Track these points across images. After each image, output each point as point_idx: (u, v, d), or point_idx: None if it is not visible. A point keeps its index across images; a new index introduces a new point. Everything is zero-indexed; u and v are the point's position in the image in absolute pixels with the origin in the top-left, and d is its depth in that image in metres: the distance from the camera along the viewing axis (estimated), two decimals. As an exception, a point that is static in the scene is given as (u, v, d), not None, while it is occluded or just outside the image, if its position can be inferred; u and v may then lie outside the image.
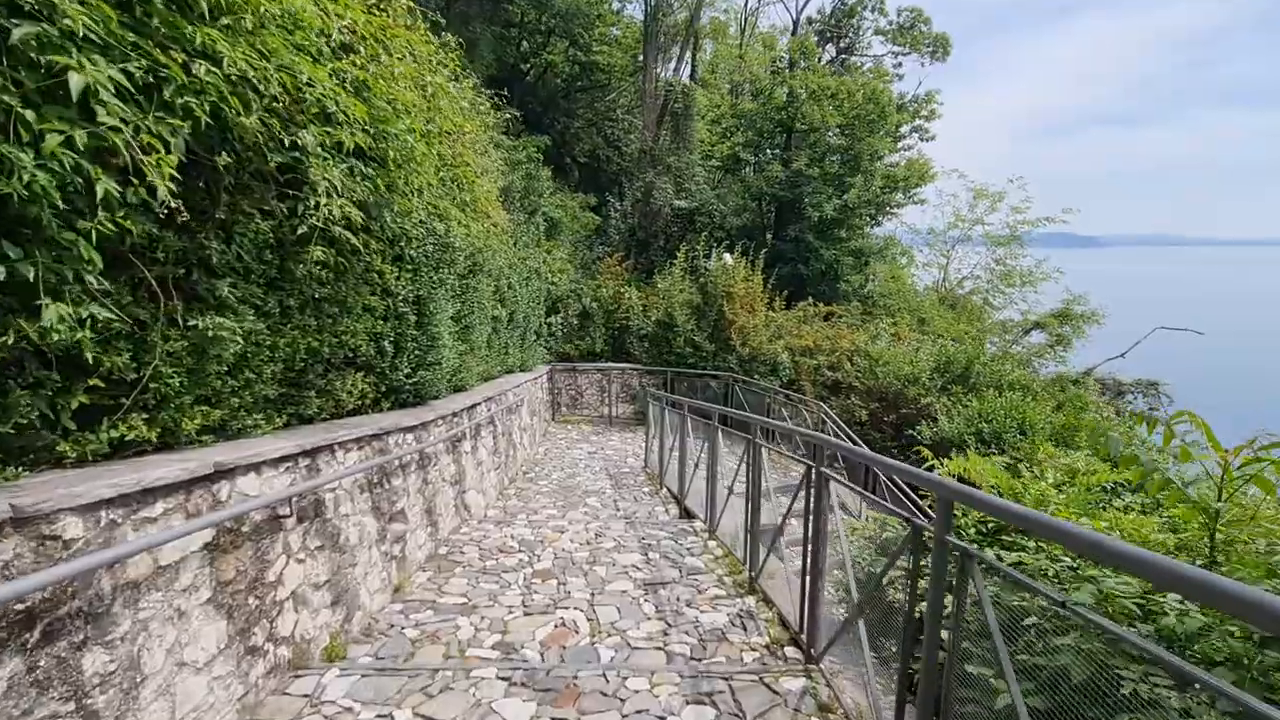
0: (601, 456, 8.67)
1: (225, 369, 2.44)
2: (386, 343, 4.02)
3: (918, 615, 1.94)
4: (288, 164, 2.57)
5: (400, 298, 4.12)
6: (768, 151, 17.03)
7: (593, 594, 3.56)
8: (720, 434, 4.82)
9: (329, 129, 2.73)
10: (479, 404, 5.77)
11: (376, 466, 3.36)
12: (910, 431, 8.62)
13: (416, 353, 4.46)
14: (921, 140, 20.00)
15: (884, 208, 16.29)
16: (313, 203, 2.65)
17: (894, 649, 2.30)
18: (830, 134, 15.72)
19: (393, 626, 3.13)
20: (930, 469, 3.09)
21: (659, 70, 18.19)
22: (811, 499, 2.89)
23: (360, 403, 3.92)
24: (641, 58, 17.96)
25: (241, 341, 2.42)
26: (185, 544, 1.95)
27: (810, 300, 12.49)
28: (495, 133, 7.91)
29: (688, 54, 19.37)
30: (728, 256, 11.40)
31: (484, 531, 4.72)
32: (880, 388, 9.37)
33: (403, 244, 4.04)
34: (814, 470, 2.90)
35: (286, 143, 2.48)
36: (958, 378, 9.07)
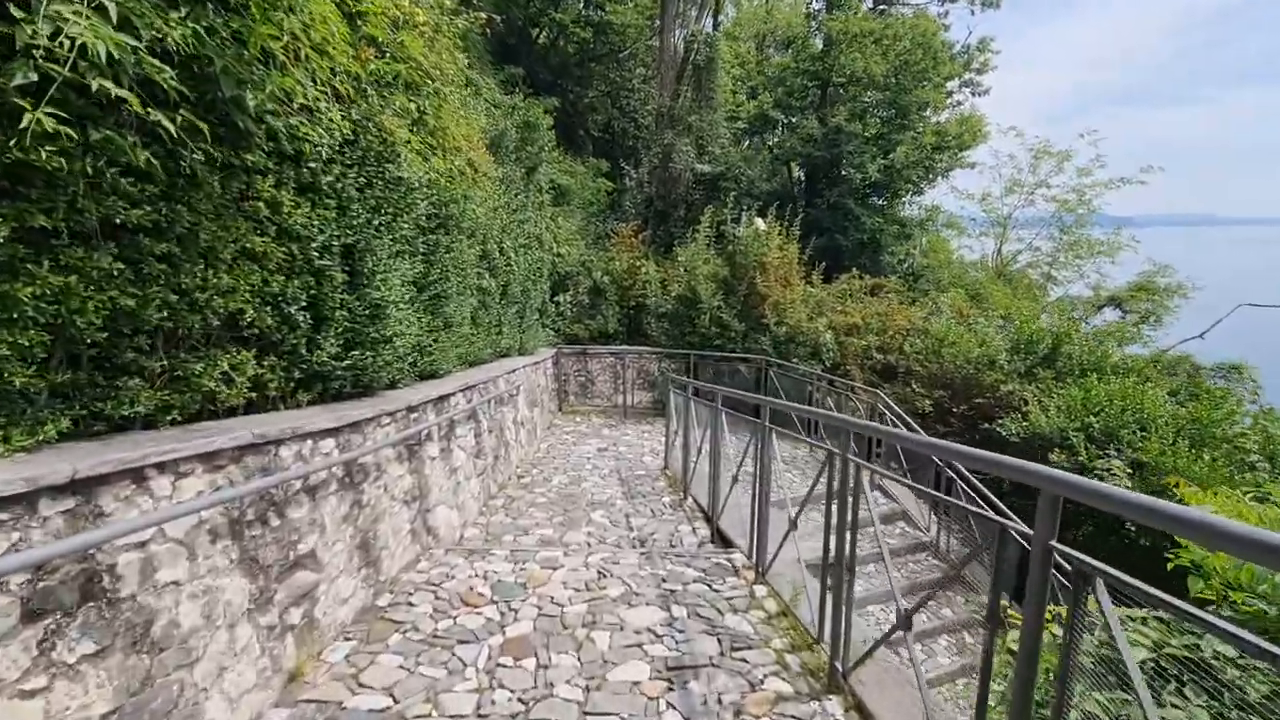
0: (613, 454, 7.48)
1: None
2: (295, 309, 2.83)
3: None
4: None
5: (317, 245, 2.93)
6: (800, 110, 15.38)
7: (588, 688, 2.35)
8: (774, 435, 3.54)
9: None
10: (454, 394, 4.59)
11: (249, 495, 2.18)
12: (986, 426, 7.23)
13: (349, 325, 3.27)
14: (973, 95, 18.08)
15: (933, 170, 14.57)
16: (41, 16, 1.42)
17: None
18: (871, 89, 14.02)
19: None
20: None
21: (678, 23, 16.63)
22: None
23: (255, 395, 2.75)
24: (658, 19, 16.39)
25: None
26: None
27: (855, 272, 11.01)
28: (472, 58, 6.56)
29: (709, 6, 17.70)
30: (760, 221, 10.00)
31: (449, 567, 3.55)
32: (945, 373, 7.95)
33: (314, 165, 2.82)
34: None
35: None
36: (1043, 360, 7.61)
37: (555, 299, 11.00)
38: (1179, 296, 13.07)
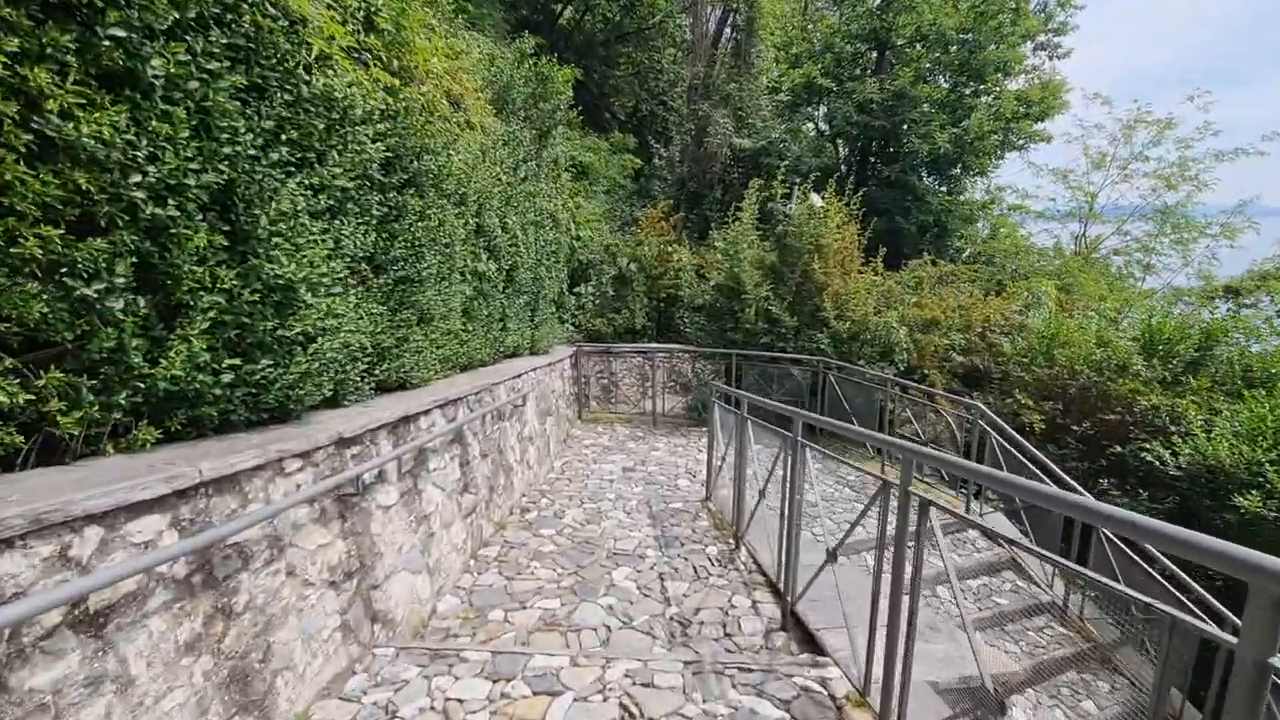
0: (642, 475, 6.24)
1: None
2: (103, 289, 1.67)
3: None
4: None
5: (147, 182, 1.76)
6: (853, 77, 13.77)
7: None
8: (929, 510, 2.24)
9: None
10: (426, 413, 3.41)
11: None
12: (1118, 450, 5.72)
13: (230, 317, 2.10)
14: (1050, 59, 16.12)
15: (1011, 140, 12.82)
16: None
17: None
18: (940, 46, 12.34)
19: None
20: None
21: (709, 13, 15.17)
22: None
23: (25, 440, 1.60)
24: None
25: None
26: None
27: (927, 257, 9.48)
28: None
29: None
30: (815, 197, 8.58)
31: (392, 689, 2.36)
32: (1056, 380, 6.44)
33: (124, 35, 1.64)
34: None
35: None
36: (1189, 365, 6.02)
37: (575, 290, 9.81)
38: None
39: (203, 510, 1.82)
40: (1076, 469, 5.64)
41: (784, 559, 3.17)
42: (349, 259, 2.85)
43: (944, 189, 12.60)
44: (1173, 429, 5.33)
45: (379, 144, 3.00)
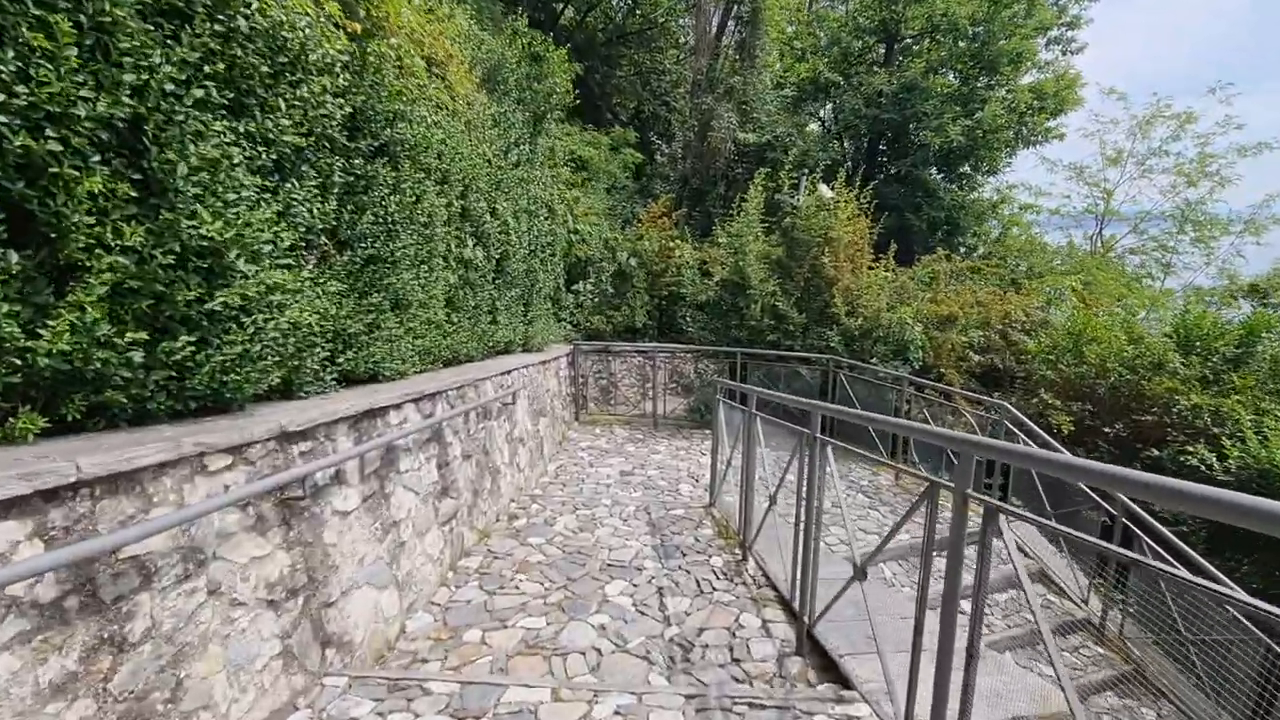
0: (641, 480, 5.88)
1: None
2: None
3: None
4: None
5: (17, 109, 1.42)
6: (860, 71, 13.45)
7: None
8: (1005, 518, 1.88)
9: None
10: (396, 407, 3.06)
11: None
12: (1154, 454, 5.33)
13: (139, 284, 1.76)
14: (1064, 54, 15.79)
15: (1026, 135, 12.47)
16: None
17: None
18: (952, 35, 12.03)
19: None
20: None
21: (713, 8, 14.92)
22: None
23: None
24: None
25: None
26: None
27: (942, 252, 9.11)
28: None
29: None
30: (825, 188, 8.24)
31: (341, 726, 2.00)
32: (1084, 378, 6.05)
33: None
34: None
35: None
36: (1229, 362, 5.63)
37: (574, 287, 9.48)
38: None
39: (84, 516, 1.47)
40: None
41: (799, 573, 2.80)
42: (303, 228, 2.51)
43: (955, 186, 12.24)
44: (1215, 430, 4.94)
45: (341, 100, 2.67)
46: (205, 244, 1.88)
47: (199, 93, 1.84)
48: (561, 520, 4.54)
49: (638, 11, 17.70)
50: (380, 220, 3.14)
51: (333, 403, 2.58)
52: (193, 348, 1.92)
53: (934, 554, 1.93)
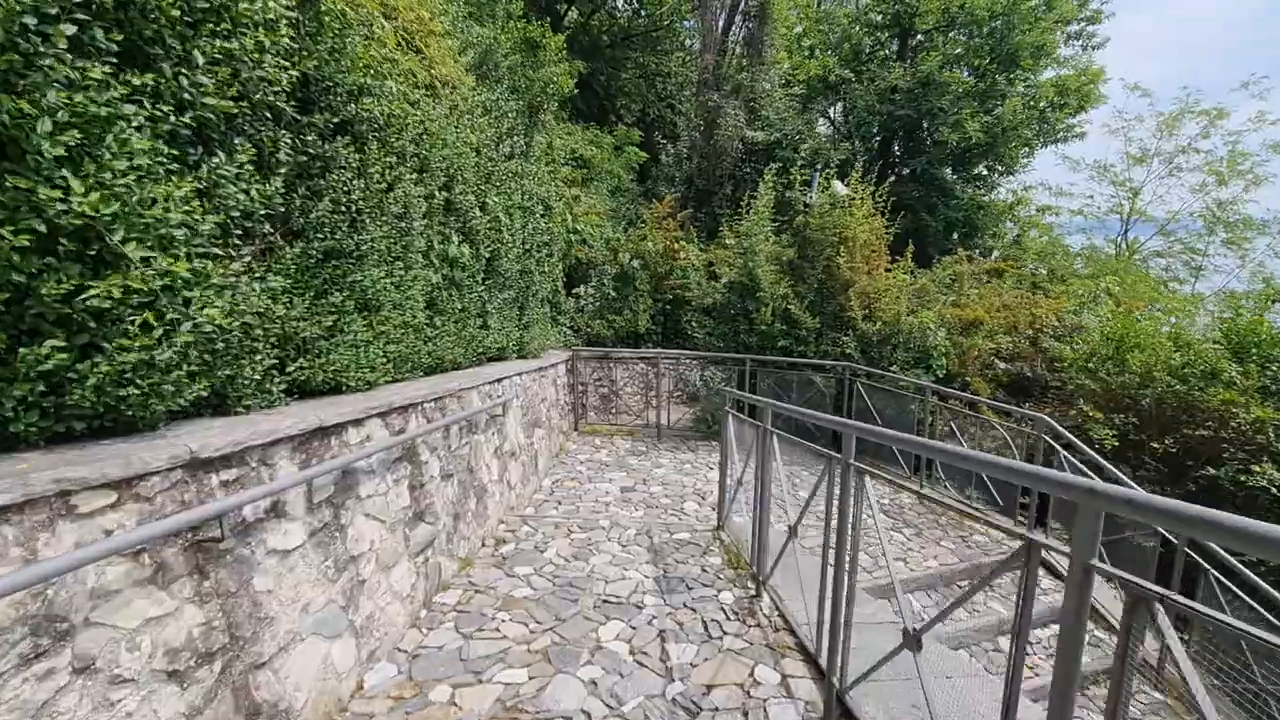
0: (643, 497, 5.47)
1: None
2: None
3: None
4: None
5: None
6: (872, 66, 13.06)
7: None
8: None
9: None
10: (357, 423, 2.66)
11: None
12: (1209, 473, 4.85)
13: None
14: (1085, 49, 15.37)
15: (1048, 131, 12.03)
16: None
17: None
18: (971, 27, 11.64)
19: None
20: None
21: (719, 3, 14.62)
22: None
23: None
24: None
25: None
26: None
27: (963, 253, 8.67)
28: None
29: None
30: (839, 184, 7.83)
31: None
32: (1125, 388, 5.59)
33: None
34: None
35: None
36: (1291, 369, 5.16)
37: (574, 291, 9.10)
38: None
39: None
40: (1175, 496, 4.78)
41: (828, 624, 2.36)
42: (237, 212, 2.12)
43: (981, 178, 11.82)
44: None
45: (286, 64, 2.29)
46: (79, 223, 1.49)
47: (70, 29, 1.46)
48: (554, 546, 4.12)
49: (643, 13, 17.47)
50: (342, 208, 2.76)
51: (272, 420, 2.19)
52: (69, 354, 1.53)
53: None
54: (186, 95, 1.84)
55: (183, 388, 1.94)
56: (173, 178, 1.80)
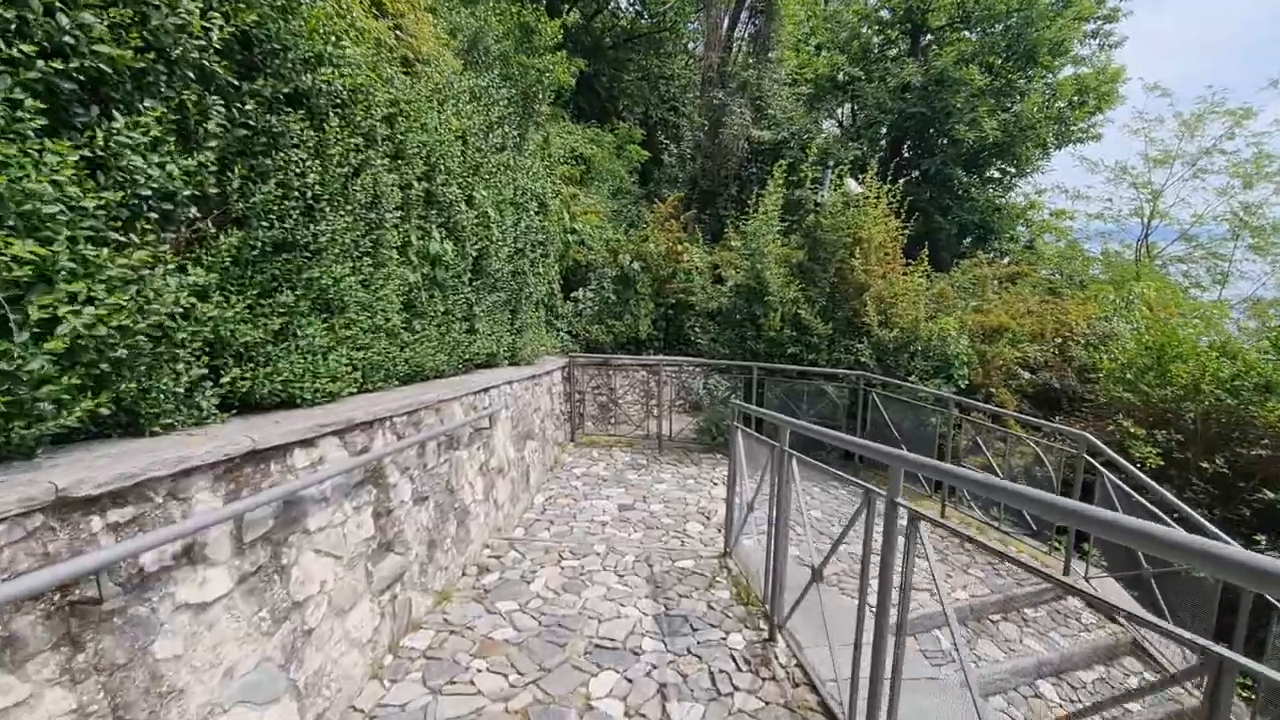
0: (642, 516, 5.08)
1: None
2: None
3: None
4: None
5: None
6: (885, 64, 12.72)
7: None
8: None
9: None
10: (302, 445, 2.29)
11: None
12: (1268, 496, 4.45)
13: None
14: (1103, 48, 15.03)
15: (1066, 131, 11.67)
16: None
17: None
18: (988, 21, 11.30)
19: None
20: None
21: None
22: None
23: None
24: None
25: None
26: None
27: (982, 256, 8.29)
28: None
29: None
30: (852, 182, 7.47)
31: None
32: (1167, 401, 5.19)
33: None
34: None
35: None
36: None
37: (572, 295, 8.74)
38: None
39: None
40: (1224, 521, 4.37)
41: (866, 690, 1.96)
42: (147, 190, 1.75)
43: (997, 180, 11.47)
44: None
45: (216, 16, 1.93)
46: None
47: None
48: (542, 576, 3.73)
49: (645, 13, 17.22)
50: (294, 193, 2.40)
51: (188, 445, 1.81)
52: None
53: None
54: (67, 40, 1.47)
55: (68, 404, 1.57)
56: (45, 141, 1.43)
